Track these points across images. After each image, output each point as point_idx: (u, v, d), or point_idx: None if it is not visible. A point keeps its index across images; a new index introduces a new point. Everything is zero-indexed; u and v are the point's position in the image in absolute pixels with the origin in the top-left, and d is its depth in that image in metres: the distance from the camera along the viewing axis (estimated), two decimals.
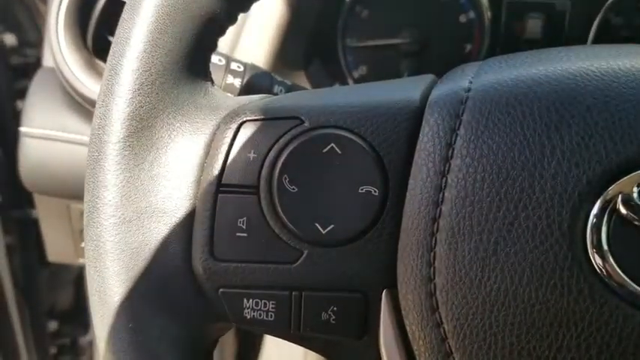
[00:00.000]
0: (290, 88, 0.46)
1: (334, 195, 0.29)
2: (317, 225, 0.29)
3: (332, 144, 0.29)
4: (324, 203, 0.29)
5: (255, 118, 0.30)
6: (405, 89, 0.31)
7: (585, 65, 0.28)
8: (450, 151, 0.27)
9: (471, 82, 0.29)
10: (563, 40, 0.68)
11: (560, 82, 0.27)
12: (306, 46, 0.67)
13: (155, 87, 0.29)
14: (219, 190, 0.29)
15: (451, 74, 0.31)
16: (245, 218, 0.29)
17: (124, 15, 0.30)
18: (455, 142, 0.27)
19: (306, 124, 0.30)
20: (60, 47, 0.68)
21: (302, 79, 0.68)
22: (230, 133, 0.30)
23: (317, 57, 0.70)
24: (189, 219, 0.30)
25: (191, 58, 0.31)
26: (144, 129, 0.29)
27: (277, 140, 0.29)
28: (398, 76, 0.70)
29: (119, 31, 0.30)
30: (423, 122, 0.28)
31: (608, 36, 0.66)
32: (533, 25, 0.68)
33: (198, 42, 0.31)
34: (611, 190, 0.25)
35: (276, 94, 0.46)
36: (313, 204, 0.29)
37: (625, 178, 0.25)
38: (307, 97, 0.32)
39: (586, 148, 0.25)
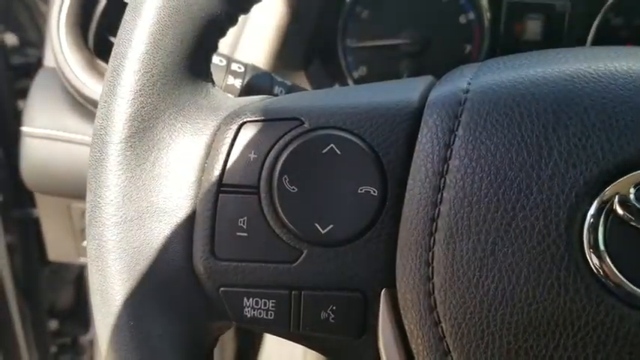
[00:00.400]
0: (290, 89, 0.46)
1: (334, 195, 0.29)
2: (316, 225, 0.29)
3: (331, 145, 0.29)
4: (324, 203, 0.29)
5: (256, 119, 0.30)
6: (405, 90, 0.31)
7: (583, 67, 0.28)
8: (449, 152, 0.27)
9: (469, 84, 0.29)
10: (562, 41, 0.68)
11: (558, 84, 0.27)
12: (306, 46, 0.68)
13: (156, 88, 0.30)
14: (220, 190, 0.30)
15: (450, 75, 0.32)
16: (245, 218, 0.29)
17: (126, 16, 0.31)
18: (453, 143, 0.27)
19: (306, 125, 0.30)
20: (61, 47, 0.68)
21: (302, 80, 0.69)
22: (231, 134, 0.30)
23: (317, 57, 0.70)
24: (190, 219, 0.30)
25: (192, 60, 0.31)
26: (145, 129, 0.29)
27: (277, 141, 0.30)
28: (398, 77, 0.70)
29: (121, 32, 0.30)
30: (422, 123, 0.29)
31: (607, 37, 0.67)
32: (533, 26, 0.69)
33: (199, 43, 0.31)
34: (608, 190, 0.25)
35: (277, 95, 0.46)
36: (313, 204, 0.29)
37: (622, 179, 0.25)
38: (307, 98, 0.33)
39: (583, 149, 0.26)
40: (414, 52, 0.70)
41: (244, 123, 0.31)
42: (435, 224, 0.27)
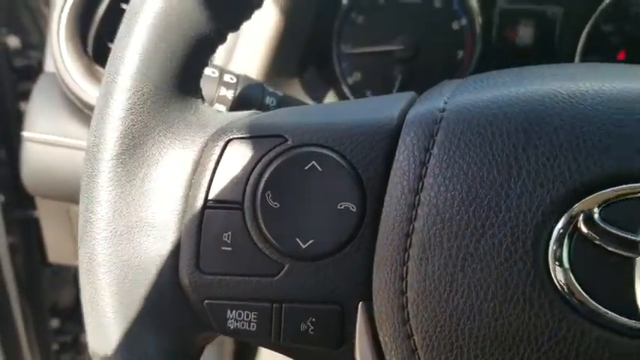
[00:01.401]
0: (281, 99, 0.47)
1: (314, 211, 0.30)
2: (297, 240, 0.30)
3: (313, 162, 0.30)
4: (305, 219, 0.30)
5: (242, 136, 0.32)
6: (385, 108, 0.32)
7: (555, 87, 0.29)
8: (424, 170, 0.28)
9: (445, 103, 0.30)
10: (554, 47, 0.69)
11: (529, 104, 0.28)
12: (300, 53, 0.69)
13: (147, 106, 0.31)
14: (206, 206, 0.31)
15: (429, 93, 0.33)
16: (230, 233, 0.30)
17: (119, 35, 0.32)
18: (428, 162, 0.28)
19: (289, 142, 0.31)
20: (61, 54, 0.69)
21: (297, 87, 0.70)
22: (217, 151, 0.31)
23: (312, 64, 0.72)
24: (177, 233, 0.31)
25: (182, 77, 0.32)
26: (136, 146, 0.31)
27: (261, 158, 0.31)
28: (391, 83, 0.71)
29: (113, 51, 0.32)
30: (400, 141, 0.30)
31: (598, 43, 0.67)
32: (525, 32, 0.69)
33: (190, 61, 0.32)
34: (574, 209, 0.26)
35: (268, 105, 0.48)
36: (294, 219, 0.30)
37: (587, 198, 0.26)
38: (291, 114, 0.34)
39: (551, 169, 0.27)
40: (408, 58, 0.70)
41: (230, 140, 0.32)
42: (409, 240, 0.28)
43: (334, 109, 0.34)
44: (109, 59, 0.31)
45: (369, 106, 0.33)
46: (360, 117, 0.32)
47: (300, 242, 0.30)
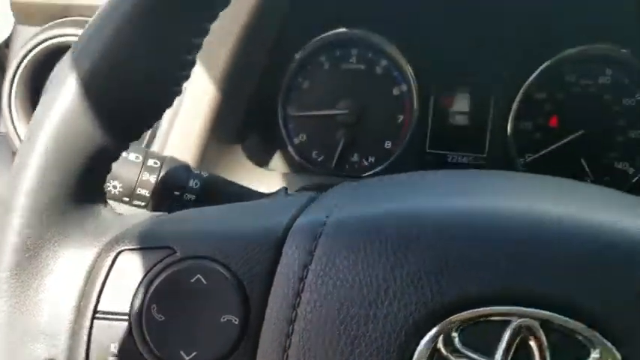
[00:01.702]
0: (205, 181, 0.49)
1: (198, 324, 0.31)
2: (181, 352, 0.31)
3: (199, 275, 0.31)
4: (189, 331, 0.31)
5: (132, 247, 0.33)
6: (275, 214, 0.33)
7: (429, 204, 0.30)
8: (302, 285, 0.30)
9: (327, 217, 0.31)
10: (489, 113, 0.71)
11: (400, 223, 0.29)
12: (241, 122, 0.70)
13: (42, 219, 0.32)
14: (95, 317, 0.32)
15: (318, 202, 0.34)
16: (117, 343, 0.32)
17: (19, 151, 0.33)
18: (306, 277, 0.30)
19: (178, 254, 0.32)
20: (12, 117, 0.71)
21: (239, 153, 0.71)
22: (108, 262, 0.33)
23: (253, 131, 0.73)
24: (69, 341, 0.32)
25: (81, 188, 0.33)
26: (30, 258, 0.32)
27: (149, 270, 0.32)
28: (336, 144, 0.73)
29: (14, 167, 0.33)
30: (283, 254, 0.31)
31: (531, 109, 0.70)
32: (461, 98, 0.72)
33: (88, 173, 0.33)
34: (434, 331, 0.27)
35: (191, 187, 0.49)
36: (178, 332, 0.31)
37: (446, 320, 0.27)
38: (184, 222, 0.35)
39: (415, 290, 0.28)
40: (351, 123, 0.73)
41: (121, 251, 0.33)
42: (286, 354, 0.29)
43: (226, 215, 0.35)
44: (10, 175, 0.33)
45: (260, 212, 0.35)
46: (249, 225, 0.33)
47: (183, 354, 0.31)
